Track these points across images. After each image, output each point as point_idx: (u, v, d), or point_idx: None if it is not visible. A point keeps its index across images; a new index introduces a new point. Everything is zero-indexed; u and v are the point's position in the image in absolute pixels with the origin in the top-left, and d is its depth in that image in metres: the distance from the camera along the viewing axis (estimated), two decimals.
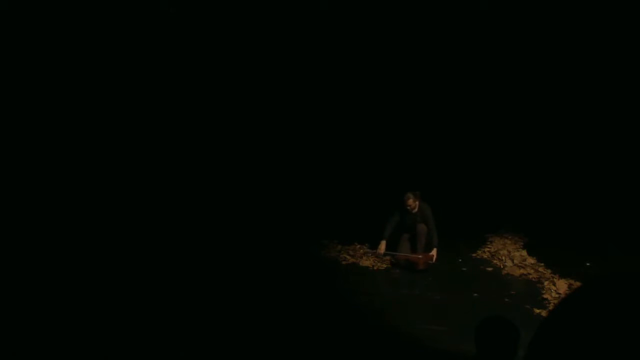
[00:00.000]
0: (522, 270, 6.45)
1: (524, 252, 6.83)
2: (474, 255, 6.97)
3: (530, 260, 6.62)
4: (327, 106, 8.99)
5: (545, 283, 6.01)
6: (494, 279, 6.36)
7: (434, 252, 6.53)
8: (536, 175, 8.53)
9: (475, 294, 5.86)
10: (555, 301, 5.59)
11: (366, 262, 6.69)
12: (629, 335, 0.55)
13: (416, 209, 6.61)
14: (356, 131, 9.02)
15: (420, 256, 6.51)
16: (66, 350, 4.39)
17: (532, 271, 6.39)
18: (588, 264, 6.50)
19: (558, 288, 5.83)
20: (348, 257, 6.79)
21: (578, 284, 5.74)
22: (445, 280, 6.27)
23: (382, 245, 6.67)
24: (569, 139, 8.51)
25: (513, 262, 6.63)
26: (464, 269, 6.65)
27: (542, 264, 6.49)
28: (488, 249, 7.04)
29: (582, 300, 0.63)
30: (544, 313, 5.33)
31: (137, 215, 7.25)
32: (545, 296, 5.75)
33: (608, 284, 0.62)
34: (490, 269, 6.64)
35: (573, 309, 0.63)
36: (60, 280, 5.55)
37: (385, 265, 6.65)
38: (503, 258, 6.75)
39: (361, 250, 6.90)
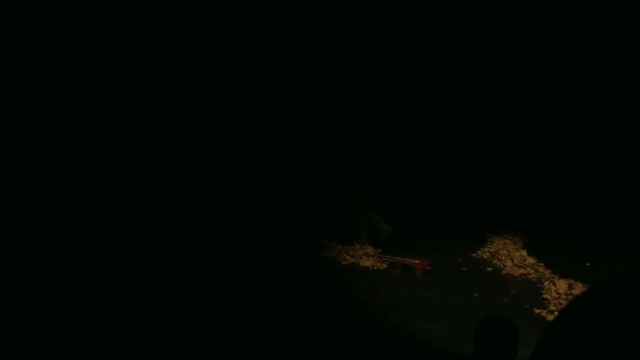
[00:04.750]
0: (522, 270, 6.45)
1: (524, 252, 6.83)
2: (474, 255, 6.97)
3: (530, 260, 6.63)
4: (327, 106, 8.99)
5: (545, 283, 6.02)
6: (494, 279, 6.36)
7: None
8: (536, 175, 8.53)
9: (475, 294, 5.87)
10: (556, 301, 5.60)
11: (366, 262, 6.69)
12: (636, 339, 0.55)
13: None
14: (357, 131, 9.01)
15: (417, 262, 6.53)
16: (66, 350, 4.38)
17: (532, 271, 6.39)
18: (588, 264, 6.50)
19: (558, 288, 5.83)
20: (348, 257, 6.79)
21: (578, 284, 5.76)
22: (445, 280, 6.27)
23: None
24: (568, 139, 8.51)
25: (513, 262, 6.63)
26: (464, 269, 6.65)
27: (542, 264, 6.50)
28: (488, 249, 7.04)
29: (592, 302, 0.63)
30: (544, 313, 5.34)
31: (137, 216, 7.25)
32: (545, 296, 5.75)
33: (614, 287, 0.62)
34: (490, 269, 6.64)
35: (582, 310, 0.63)
36: (60, 280, 5.54)
37: (385, 265, 6.65)
38: (503, 258, 6.75)
39: (361, 251, 6.90)
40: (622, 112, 8.22)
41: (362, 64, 8.81)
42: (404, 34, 8.61)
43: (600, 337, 0.58)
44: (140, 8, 8.18)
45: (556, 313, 5.17)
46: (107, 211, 7.33)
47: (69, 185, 7.61)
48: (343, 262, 6.70)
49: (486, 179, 8.40)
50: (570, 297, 5.43)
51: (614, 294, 0.62)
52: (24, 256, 5.98)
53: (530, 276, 6.31)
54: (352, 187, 6.95)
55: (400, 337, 4.86)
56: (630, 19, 7.73)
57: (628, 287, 0.62)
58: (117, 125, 8.38)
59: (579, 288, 5.71)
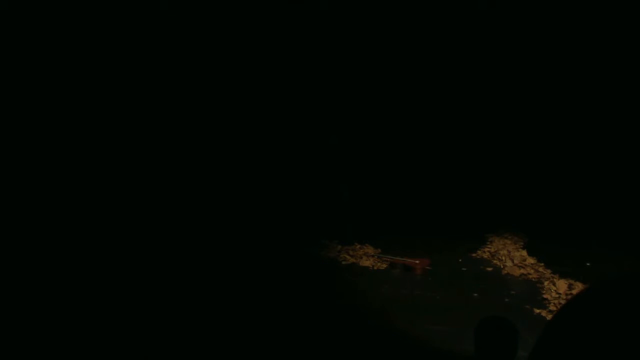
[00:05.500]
0: (522, 270, 6.45)
1: (524, 252, 6.83)
2: (474, 255, 6.98)
3: (530, 260, 6.63)
4: (326, 106, 8.99)
5: (545, 283, 6.02)
6: (494, 279, 6.36)
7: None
8: (536, 175, 8.53)
9: (475, 294, 5.87)
10: (556, 301, 5.60)
11: (366, 262, 6.69)
12: (634, 339, 0.55)
13: None
14: (356, 131, 9.02)
15: (417, 262, 6.53)
16: (66, 350, 4.38)
17: (532, 271, 6.39)
18: (588, 264, 6.51)
19: (558, 288, 5.83)
20: (348, 257, 6.79)
21: (578, 284, 5.76)
22: (445, 280, 6.28)
23: None
24: (568, 139, 8.52)
25: (513, 262, 6.63)
26: (464, 269, 6.65)
27: (542, 264, 6.50)
28: (488, 249, 7.05)
29: (587, 303, 0.62)
30: (544, 313, 5.33)
31: (137, 216, 7.25)
32: (545, 296, 5.75)
33: (613, 286, 0.62)
34: (490, 269, 6.64)
35: (578, 311, 0.62)
36: (60, 280, 5.55)
37: (385, 266, 6.66)
38: (503, 258, 6.75)
39: (361, 251, 6.91)
40: (622, 112, 8.22)
41: (361, 63, 8.81)
42: (403, 33, 8.61)
43: (599, 336, 0.58)
44: (140, 8, 8.18)
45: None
46: (107, 211, 7.33)
47: (69, 185, 7.61)
48: (343, 262, 6.70)
49: (486, 178, 8.40)
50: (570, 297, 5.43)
51: (613, 294, 0.62)
52: (24, 256, 5.98)
53: (530, 276, 6.32)
54: (336, 184, 7.10)
55: (400, 337, 4.86)
56: (630, 19, 7.72)
57: (628, 287, 0.62)
58: (117, 125, 8.38)
59: (579, 288, 5.71)
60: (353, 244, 7.02)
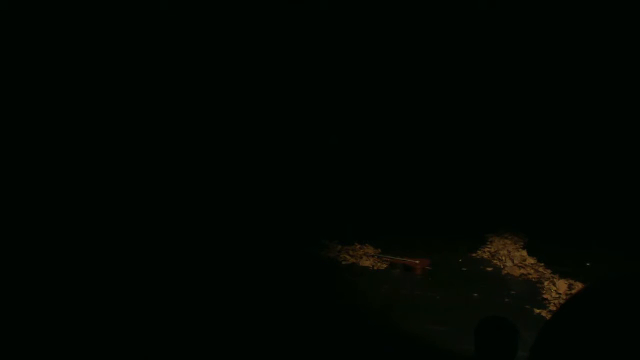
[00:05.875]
0: (522, 270, 6.45)
1: (524, 252, 6.83)
2: (474, 255, 6.97)
3: (530, 260, 6.62)
4: (326, 106, 9.00)
5: (545, 283, 6.02)
6: (494, 279, 6.36)
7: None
8: (536, 175, 8.53)
9: (475, 294, 5.87)
10: (556, 301, 5.60)
11: (366, 262, 6.69)
12: (633, 338, 0.55)
13: None
14: (356, 130, 9.03)
15: (417, 262, 6.52)
16: (66, 350, 4.38)
17: (532, 271, 6.39)
18: (588, 264, 6.51)
19: (558, 288, 5.83)
20: (348, 257, 6.79)
21: (578, 284, 5.76)
22: (445, 280, 6.27)
23: None
24: (568, 139, 8.52)
25: (513, 262, 6.63)
26: (464, 269, 6.65)
27: (542, 264, 6.50)
28: (488, 249, 7.04)
29: (586, 302, 0.62)
30: (544, 313, 5.33)
31: (137, 216, 7.25)
32: (545, 296, 5.75)
33: (613, 286, 0.62)
34: (490, 269, 6.64)
35: (577, 310, 0.62)
36: (60, 280, 5.55)
37: (385, 266, 6.66)
38: (503, 258, 6.75)
39: (361, 251, 6.91)
40: (622, 112, 8.22)
41: (361, 63, 8.81)
42: (403, 33, 8.61)
43: (598, 336, 0.58)
44: (140, 8, 8.18)
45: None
46: (107, 211, 7.33)
47: (69, 185, 7.61)
48: (343, 262, 6.70)
49: (486, 178, 8.40)
50: None
51: (613, 294, 0.62)
52: (24, 256, 5.98)
53: (530, 276, 6.31)
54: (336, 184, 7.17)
55: (400, 337, 4.86)
56: (630, 19, 7.73)
57: (627, 287, 0.62)
58: (117, 125, 8.38)
59: (579, 288, 5.70)
60: (353, 244, 7.01)
